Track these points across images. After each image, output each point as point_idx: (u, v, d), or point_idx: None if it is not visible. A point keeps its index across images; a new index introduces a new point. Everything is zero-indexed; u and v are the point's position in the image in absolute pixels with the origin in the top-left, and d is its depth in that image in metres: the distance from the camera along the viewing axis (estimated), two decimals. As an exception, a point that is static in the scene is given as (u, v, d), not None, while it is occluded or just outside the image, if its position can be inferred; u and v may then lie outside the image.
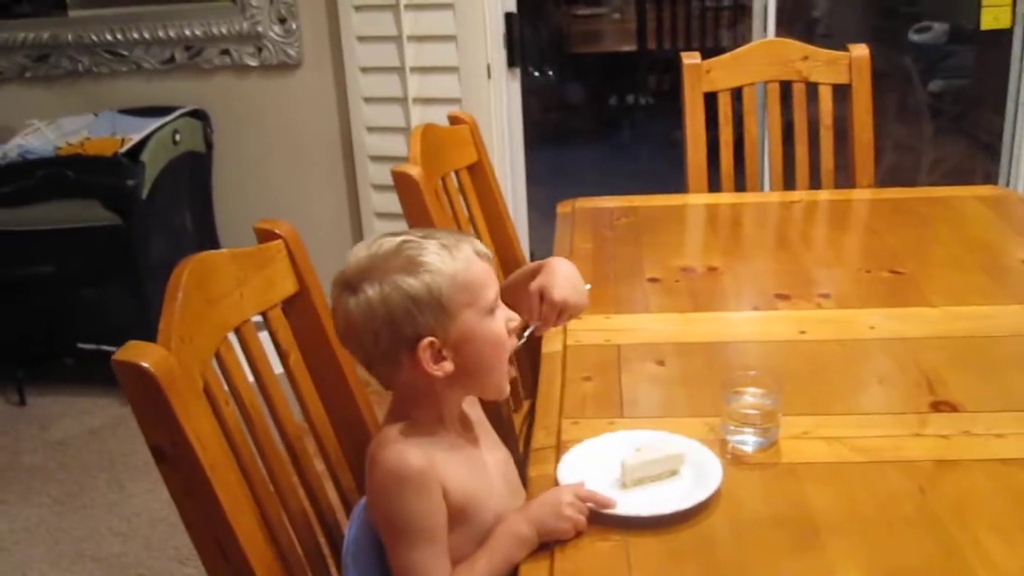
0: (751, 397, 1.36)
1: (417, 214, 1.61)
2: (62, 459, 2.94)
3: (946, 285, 1.85)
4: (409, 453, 1.12)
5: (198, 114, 3.44)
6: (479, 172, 1.98)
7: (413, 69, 3.26)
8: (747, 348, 1.65)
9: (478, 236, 1.95)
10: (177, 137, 3.26)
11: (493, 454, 1.28)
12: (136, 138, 3.10)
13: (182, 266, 1.15)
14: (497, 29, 3.22)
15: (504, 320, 1.17)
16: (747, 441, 1.33)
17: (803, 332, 1.67)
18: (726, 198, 2.41)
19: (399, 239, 1.14)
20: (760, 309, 1.78)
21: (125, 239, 3.01)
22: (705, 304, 1.81)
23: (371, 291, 1.10)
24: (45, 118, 3.34)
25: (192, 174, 3.45)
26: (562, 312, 1.38)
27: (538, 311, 1.37)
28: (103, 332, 3.09)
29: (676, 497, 1.22)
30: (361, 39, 3.29)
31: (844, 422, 1.40)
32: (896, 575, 1.09)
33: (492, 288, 1.16)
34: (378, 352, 1.13)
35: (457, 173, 1.93)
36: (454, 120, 1.97)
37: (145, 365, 0.98)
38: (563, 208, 2.39)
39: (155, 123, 3.21)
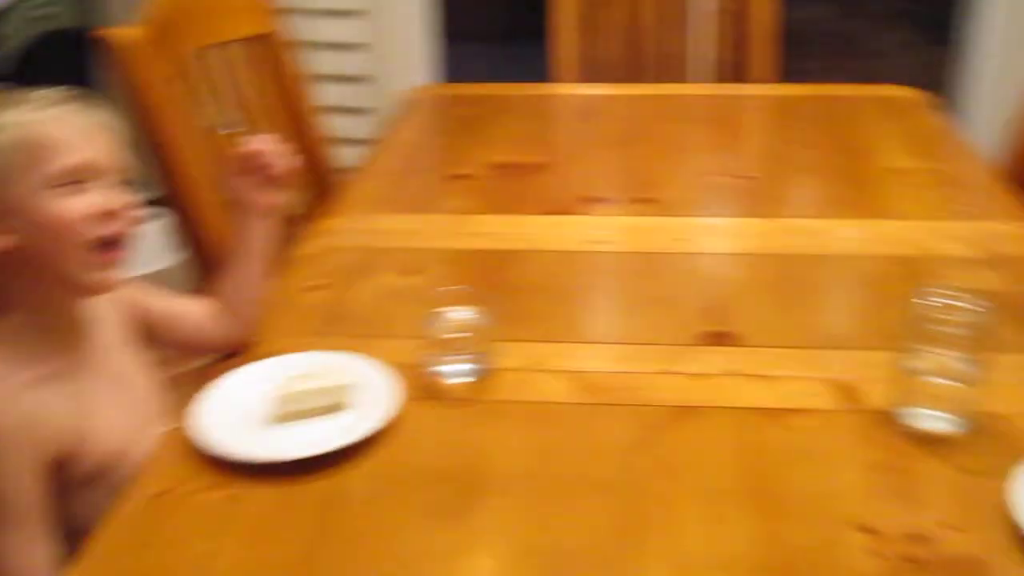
0: (457, 317, 1.10)
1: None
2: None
3: (793, 194, 1.58)
4: None
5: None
6: (265, 47, 1.68)
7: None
8: (521, 259, 1.37)
9: (265, 124, 1.67)
10: None
11: (126, 382, 1.03)
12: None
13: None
14: None
15: (86, 204, 0.92)
16: (444, 372, 1.08)
17: (597, 242, 1.41)
18: (596, 89, 2.11)
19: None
20: (559, 213, 1.50)
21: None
22: (502, 206, 1.53)
23: None
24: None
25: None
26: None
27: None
28: None
29: (320, 440, 0.97)
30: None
31: (589, 353, 1.14)
32: (545, 554, 0.84)
33: (67, 157, 0.92)
34: None
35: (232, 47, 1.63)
36: (236, -19, 1.67)
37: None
38: (415, 95, 2.10)
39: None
